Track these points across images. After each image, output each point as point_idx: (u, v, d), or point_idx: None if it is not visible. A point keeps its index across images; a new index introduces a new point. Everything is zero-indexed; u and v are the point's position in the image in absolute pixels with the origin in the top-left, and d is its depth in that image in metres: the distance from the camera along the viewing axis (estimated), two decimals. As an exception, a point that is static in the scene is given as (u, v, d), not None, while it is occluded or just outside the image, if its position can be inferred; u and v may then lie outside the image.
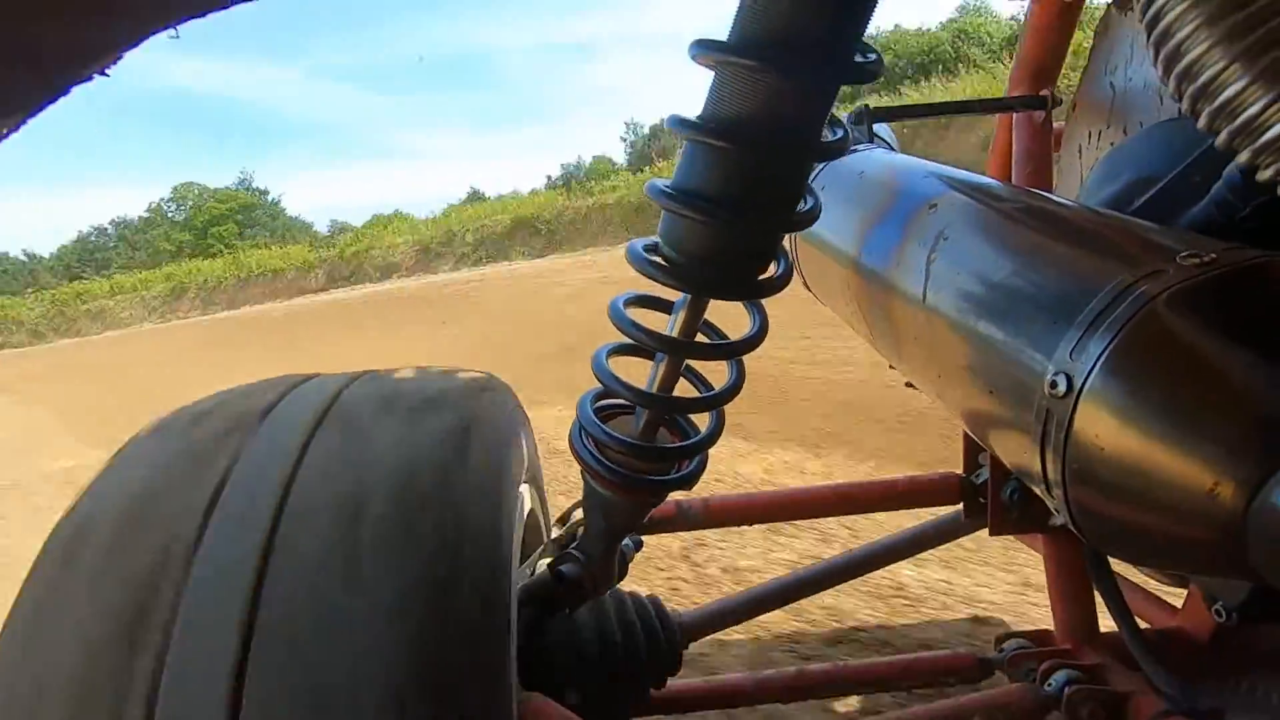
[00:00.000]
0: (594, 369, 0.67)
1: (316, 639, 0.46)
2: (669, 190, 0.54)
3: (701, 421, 0.71)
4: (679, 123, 0.52)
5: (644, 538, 1.03)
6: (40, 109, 0.40)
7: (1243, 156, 0.45)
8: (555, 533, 0.88)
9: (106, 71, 0.42)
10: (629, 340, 0.64)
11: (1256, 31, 0.43)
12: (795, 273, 1.14)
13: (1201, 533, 0.47)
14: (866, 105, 1.18)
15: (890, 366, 0.96)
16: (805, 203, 0.57)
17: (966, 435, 1.10)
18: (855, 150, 1.08)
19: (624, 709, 0.89)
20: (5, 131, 0.42)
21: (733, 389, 0.66)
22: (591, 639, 0.86)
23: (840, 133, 0.55)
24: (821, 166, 1.07)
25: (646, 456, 0.68)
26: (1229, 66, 0.44)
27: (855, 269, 0.88)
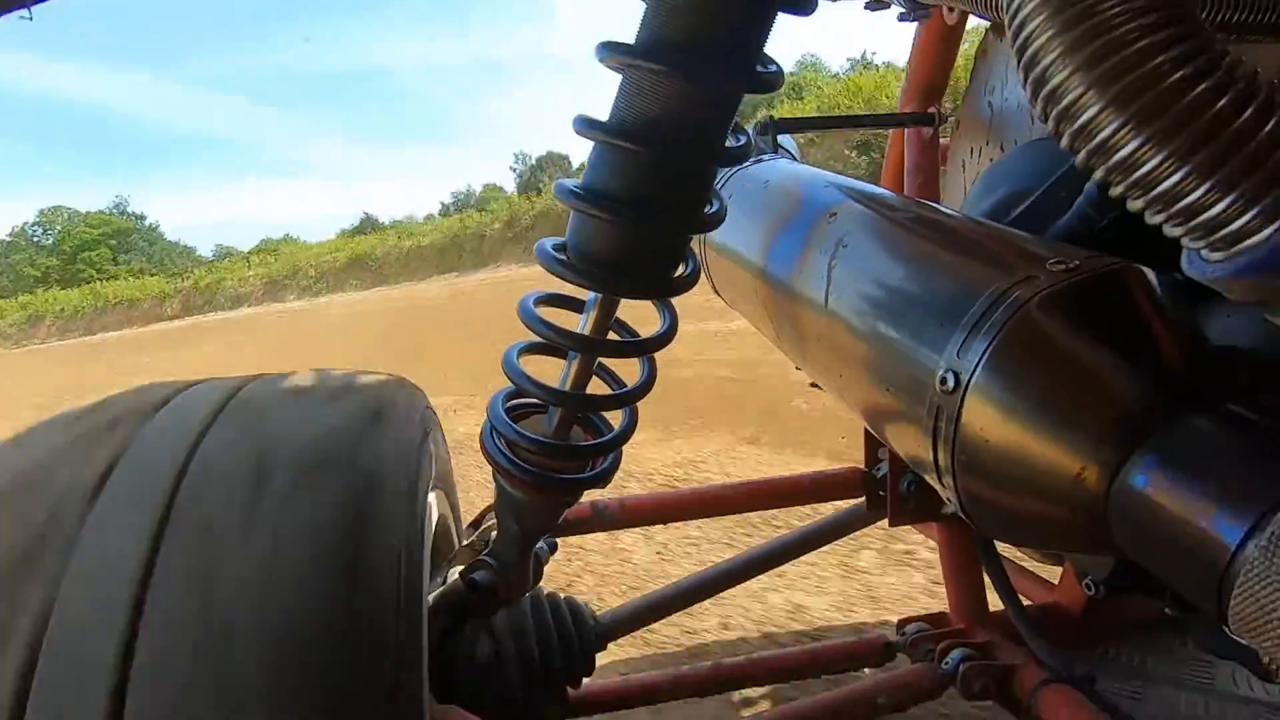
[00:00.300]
0: (504, 368, 0.65)
1: (199, 672, 0.43)
2: (577, 190, 0.54)
3: (615, 420, 0.71)
4: (585, 123, 0.52)
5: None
6: None
7: (1098, 174, 0.50)
8: (468, 538, 0.87)
9: None
10: (539, 339, 0.63)
11: (1109, 60, 0.47)
12: (705, 278, 1.18)
13: (1071, 515, 0.52)
14: (771, 117, 1.22)
15: (796, 368, 1.00)
16: (711, 205, 0.58)
17: (868, 432, 1.16)
18: (760, 160, 1.12)
19: (538, 713, 0.88)
20: None
21: (645, 386, 0.67)
22: (506, 647, 0.84)
23: (743, 139, 0.57)
24: (729, 175, 1.10)
25: (560, 455, 0.67)
26: (1086, 92, 0.48)
27: (762, 275, 0.92)
